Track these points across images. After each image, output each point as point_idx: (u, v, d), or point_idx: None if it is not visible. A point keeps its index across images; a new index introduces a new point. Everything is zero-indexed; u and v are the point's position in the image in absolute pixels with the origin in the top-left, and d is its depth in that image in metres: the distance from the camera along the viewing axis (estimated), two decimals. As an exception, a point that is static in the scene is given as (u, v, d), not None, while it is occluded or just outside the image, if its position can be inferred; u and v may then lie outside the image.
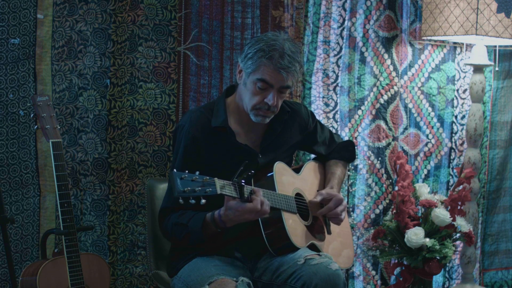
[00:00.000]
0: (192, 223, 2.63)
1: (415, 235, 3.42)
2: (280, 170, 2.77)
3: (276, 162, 2.76)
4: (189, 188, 2.35)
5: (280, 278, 2.64)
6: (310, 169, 2.97)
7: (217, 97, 3.19)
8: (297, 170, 2.90)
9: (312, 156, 3.24)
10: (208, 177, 2.40)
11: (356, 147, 3.45)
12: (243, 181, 2.49)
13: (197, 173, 2.40)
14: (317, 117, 3.09)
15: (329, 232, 2.90)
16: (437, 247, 3.43)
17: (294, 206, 2.75)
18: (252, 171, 2.58)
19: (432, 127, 3.90)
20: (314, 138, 3.00)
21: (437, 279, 3.93)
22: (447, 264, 3.94)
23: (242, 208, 2.51)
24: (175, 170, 2.38)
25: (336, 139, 3.07)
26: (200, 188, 2.37)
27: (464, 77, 3.95)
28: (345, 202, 2.85)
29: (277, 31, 2.84)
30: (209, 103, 2.90)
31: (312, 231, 2.80)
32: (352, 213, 3.77)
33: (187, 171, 2.39)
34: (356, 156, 3.42)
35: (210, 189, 2.39)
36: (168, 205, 2.72)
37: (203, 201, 2.37)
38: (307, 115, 2.97)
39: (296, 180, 2.85)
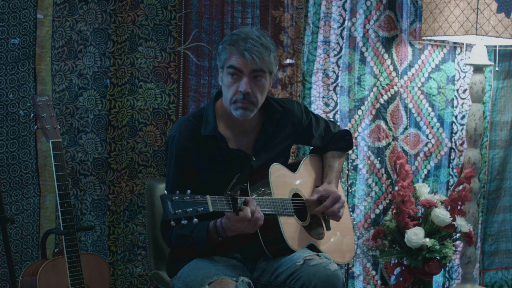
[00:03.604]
0: (195, 233, 2.62)
1: (415, 235, 3.42)
2: (276, 172, 2.75)
3: (272, 165, 2.74)
4: (179, 210, 2.34)
5: (279, 278, 2.64)
6: (307, 165, 2.96)
7: (206, 103, 3.18)
8: (294, 168, 2.89)
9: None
10: (199, 196, 2.38)
11: (352, 136, 3.43)
12: (236, 194, 2.47)
13: (188, 192, 2.37)
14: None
15: (328, 228, 2.89)
16: (437, 247, 3.43)
17: (291, 209, 2.74)
18: (245, 184, 2.58)
19: (432, 127, 3.90)
20: (310, 133, 2.98)
21: (437, 279, 3.93)
22: (447, 264, 3.94)
23: (235, 218, 2.50)
24: (165, 192, 2.37)
25: (332, 128, 3.04)
26: (191, 209, 2.35)
27: (464, 77, 3.95)
28: (343, 198, 2.83)
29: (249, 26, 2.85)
30: (198, 110, 2.88)
31: (310, 231, 2.80)
32: (352, 213, 3.77)
33: (177, 192, 2.37)
34: (353, 145, 3.40)
35: (202, 208, 2.37)
36: (168, 218, 2.70)
37: (195, 220, 2.35)
38: (301, 112, 2.95)
39: (293, 180, 2.84)
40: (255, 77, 2.67)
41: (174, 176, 2.71)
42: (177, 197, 2.35)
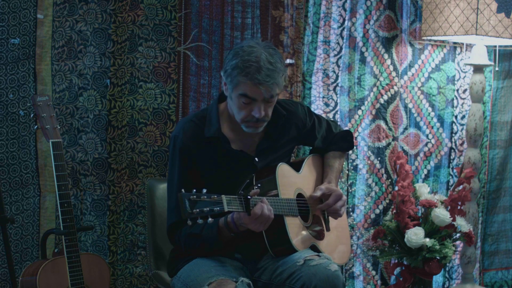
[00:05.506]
0: (206, 232, 2.63)
1: (415, 235, 3.42)
2: (283, 172, 2.76)
3: (279, 164, 2.75)
4: (197, 210, 2.34)
5: (279, 278, 2.64)
6: (310, 165, 2.96)
7: (209, 104, 3.17)
8: (298, 168, 2.89)
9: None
10: (216, 195, 2.39)
11: (353, 136, 3.42)
12: (249, 195, 2.48)
13: (204, 191, 2.37)
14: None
15: (328, 229, 2.90)
16: (437, 247, 3.43)
17: (296, 209, 2.75)
18: (259, 184, 2.58)
19: (432, 127, 3.90)
20: (313, 135, 2.99)
21: (437, 279, 3.93)
22: (447, 264, 3.94)
23: (246, 217, 2.52)
24: (183, 190, 2.35)
25: (333, 129, 3.05)
26: (208, 208, 2.36)
27: (464, 77, 3.95)
28: (344, 197, 2.84)
29: (254, 38, 2.79)
30: (201, 110, 2.88)
31: (312, 232, 2.80)
32: (352, 213, 3.77)
33: (194, 190, 2.36)
34: (354, 145, 3.40)
35: (218, 208, 2.38)
36: (176, 220, 2.69)
37: (210, 219, 2.36)
38: (304, 114, 2.95)
39: (297, 180, 2.85)
40: (267, 101, 2.66)
41: (180, 176, 2.70)
42: (194, 196, 2.35)
